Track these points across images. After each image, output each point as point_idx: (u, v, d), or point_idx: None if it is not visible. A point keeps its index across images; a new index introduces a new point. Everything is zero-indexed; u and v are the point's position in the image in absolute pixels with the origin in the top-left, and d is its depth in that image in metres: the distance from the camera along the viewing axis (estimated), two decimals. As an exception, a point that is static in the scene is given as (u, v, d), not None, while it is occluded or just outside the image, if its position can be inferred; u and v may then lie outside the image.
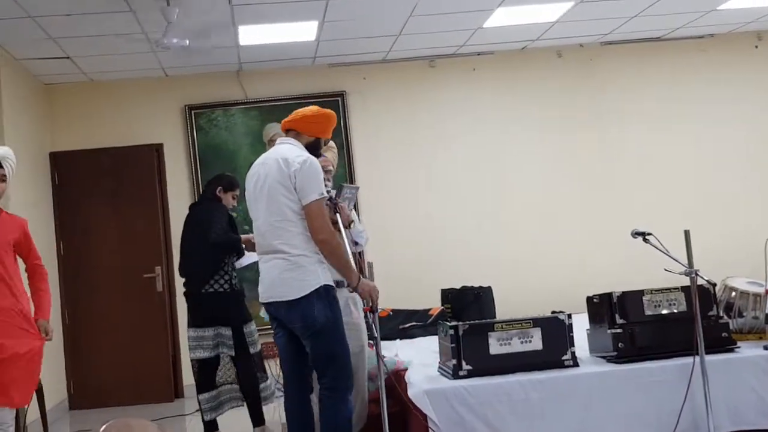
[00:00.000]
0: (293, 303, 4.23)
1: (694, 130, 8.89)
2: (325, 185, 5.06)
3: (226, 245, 5.75)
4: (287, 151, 4.38)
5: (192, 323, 5.83)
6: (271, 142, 8.38)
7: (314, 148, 4.52)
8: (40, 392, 6.59)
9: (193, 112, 8.53)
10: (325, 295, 4.24)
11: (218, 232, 5.68)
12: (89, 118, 8.47)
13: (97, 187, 8.31)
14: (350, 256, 4.35)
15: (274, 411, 6.34)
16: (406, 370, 5.21)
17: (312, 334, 4.25)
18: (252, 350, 5.84)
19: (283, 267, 4.25)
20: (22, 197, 7.32)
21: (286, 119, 4.57)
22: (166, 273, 8.27)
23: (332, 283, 4.32)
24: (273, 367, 6.16)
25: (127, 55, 7.65)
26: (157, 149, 8.49)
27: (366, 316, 4.61)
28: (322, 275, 4.26)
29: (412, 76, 8.79)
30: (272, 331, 4.51)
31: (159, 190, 8.42)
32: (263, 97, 8.56)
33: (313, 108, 4.58)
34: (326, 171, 5.14)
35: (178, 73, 8.44)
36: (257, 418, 5.84)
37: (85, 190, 8.30)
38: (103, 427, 1.49)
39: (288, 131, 4.53)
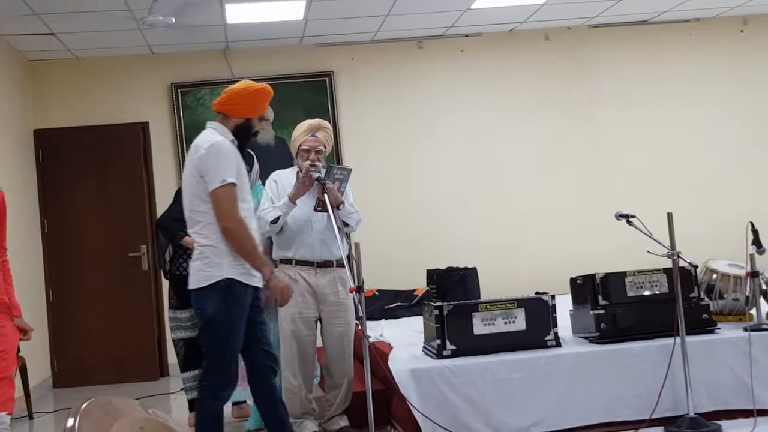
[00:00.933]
0: (194, 292, 4.13)
1: (680, 114, 8.92)
2: (315, 166, 5.08)
3: (165, 233, 5.75)
4: (202, 135, 4.24)
5: (170, 305, 5.89)
6: (259, 121, 8.43)
7: (245, 129, 4.31)
8: (24, 370, 6.61)
9: (179, 90, 8.50)
10: (224, 289, 4.02)
11: (167, 216, 5.67)
12: (74, 95, 8.42)
13: (82, 165, 8.28)
14: (258, 247, 4.11)
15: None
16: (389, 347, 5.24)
17: (202, 324, 4.15)
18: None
19: (194, 256, 4.15)
20: (5, 175, 7.29)
21: (215, 101, 4.38)
22: (151, 252, 8.26)
23: (240, 278, 4.06)
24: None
25: (113, 32, 7.61)
26: (142, 127, 8.46)
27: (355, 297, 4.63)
28: (228, 269, 4.04)
29: (400, 57, 8.78)
30: None
31: (144, 168, 8.41)
32: (250, 76, 8.47)
33: (240, 86, 4.33)
34: (318, 152, 5.13)
35: (164, 51, 8.40)
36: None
37: (69, 168, 8.27)
38: (85, 404, 1.50)
39: (217, 114, 4.34)
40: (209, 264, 4.07)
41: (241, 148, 4.30)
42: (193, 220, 4.15)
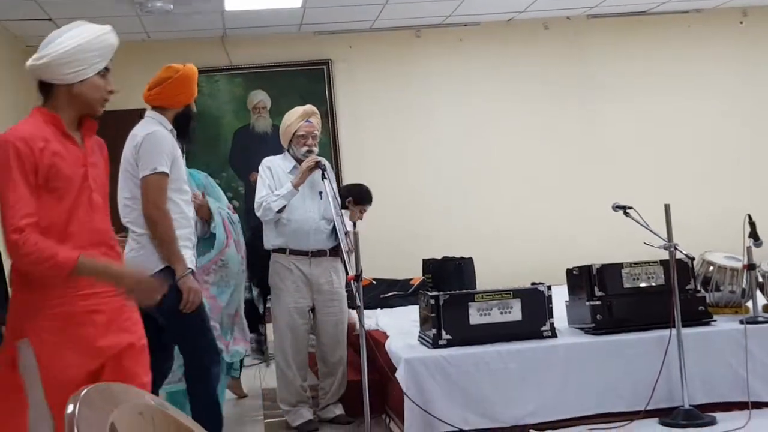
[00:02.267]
0: None
1: (678, 105, 8.92)
2: (311, 150, 5.09)
3: None
4: (141, 125, 4.17)
5: None
6: (255, 110, 8.43)
7: (187, 116, 4.26)
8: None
9: (176, 77, 8.47)
10: (172, 275, 3.86)
11: None
12: (71, 81, 8.39)
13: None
14: (177, 241, 3.94)
15: (254, 377, 6.39)
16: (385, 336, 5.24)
17: (167, 318, 3.94)
18: None
19: (130, 246, 4.00)
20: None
21: (146, 93, 4.30)
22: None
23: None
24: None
25: (110, 18, 7.50)
26: (140, 114, 8.38)
27: (349, 285, 4.64)
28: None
29: (398, 45, 8.76)
30: None
31: (141, 155, 8.38)
32: (248, 64, 8.51)
33: (167, 74, 4.27)
34: (313, 137, 5.14)
35: (161, 37, 8.37)
36: None
37: (66, 153, 8.23)
38: (84, 390, 1.50)
39: (153, 108, 4.24)
40: (147, 254, 3.92)
41: (185, 135, 4.22)
42: (129, 207, 4.02)
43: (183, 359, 4.17)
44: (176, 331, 4.02)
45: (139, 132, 4.10)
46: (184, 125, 4.22)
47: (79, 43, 3.00)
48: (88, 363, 2.76)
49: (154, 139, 4.01)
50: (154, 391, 3.98)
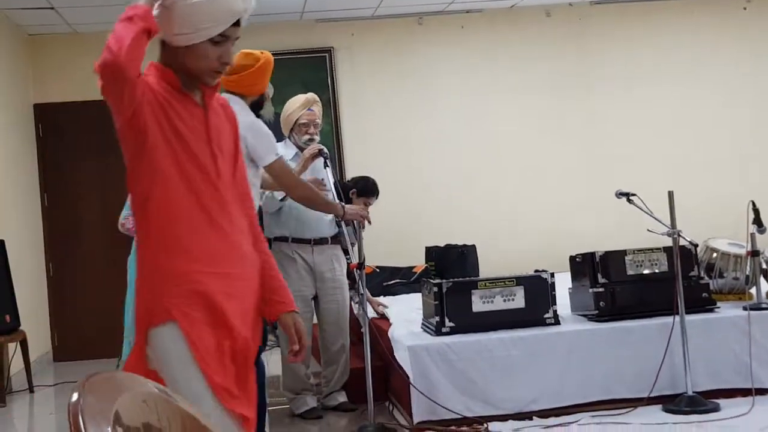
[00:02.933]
0: None
1: (681, 92, 8.89)
2: (313, 139, 5.09)
3: None
4: (238, 114, 4.24)
5: None
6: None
7: (259, 105, 4.44)
8: (24, 344, 6.62)
9: (179, 65, 8.47)
10: None
11: None
12: (74, 70, 8.38)
13: (82, 139, 8.26)
14: (326, 198, 4.55)
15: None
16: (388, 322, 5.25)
17: None
18: None
19: None
20: (4, 149, 7.28)
21: (224, 78, 4.31)
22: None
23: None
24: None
25: (113, 7, 7.53)
26: (142, 103, 8.42)
27: (353, 273, 4.65)
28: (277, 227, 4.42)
29: (400, 33, 8.74)
30: None
31: (144, 143, 8.38)
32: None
33: (248, 61, 4.29)
34: (315, 125, 5.14)
35: (163, 25, 8.36)
36: None
37: (69, 142, 8.25)
38: (88, 378, 1.50)
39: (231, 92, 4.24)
40: None
41: None
42: None
43: None
44: None
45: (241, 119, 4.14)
46: (255, 112, 4.35)
47: (188, 2, 2.47)
48: (225, 343, 2.44)
49: (260, 128, 4.19)
50: None
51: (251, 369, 2.56)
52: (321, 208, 4.54)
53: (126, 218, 5.09)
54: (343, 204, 4.54)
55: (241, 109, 4.19)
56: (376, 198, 5.84)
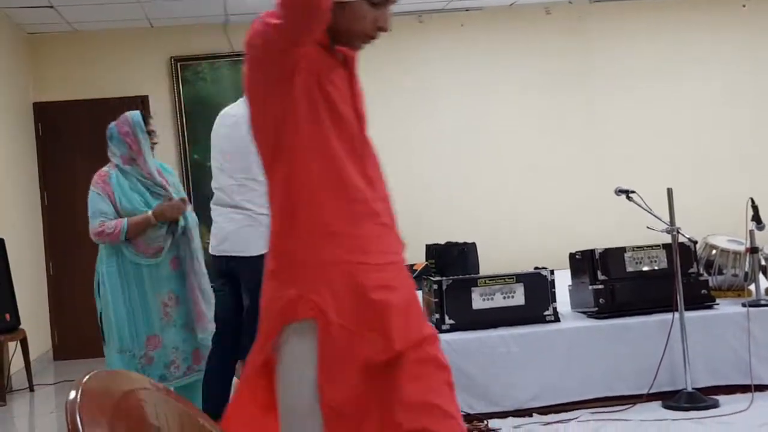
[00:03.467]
0: (249, 259, 4.18)
1: (681, 89, 8.90)
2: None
3: None
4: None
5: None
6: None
7: None
8: (24, 343, 6.63)
9: (179, 64, 8.47)
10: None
11: None
12: (73, 68, 8.40)
13: (82, 138, 8.27)
14: None
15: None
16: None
17: (259, 291, 4.15)
18: None
19: (243, 222, 4.22)
20: (4, 148, 7.28)
21: None
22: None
23: None
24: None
25: (112, 5, 7.57)
26: (142, 101, 8.44)
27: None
28: None
29: (400, 30, 8.71)
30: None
31: (144, 142, 8.38)
32: (249, 50, 8.48)
33: None
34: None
35: (163, 24, 8.36)
36: None
37: (69, 141, 8.25)
38: (86, 377, 1.51)
39: None
40: (267, 232, 4.10)
41: None
42: (247, 187, 4.21)
43: (243, 340, 4.24)
44: (256, 309, 4.13)
45: None
46: None
47: None
48: (380, 353, 2.14)
49: None
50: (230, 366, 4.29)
51: (439, 369, 2.28)
52: None
53: (102, 223, 4.43)
54: None
55: None
56: None
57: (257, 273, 4.12)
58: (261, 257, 4.12)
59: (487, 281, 4.81)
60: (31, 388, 6.70)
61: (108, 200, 4.39)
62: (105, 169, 4.55)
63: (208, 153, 4.52)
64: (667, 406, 4.49)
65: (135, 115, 4.51)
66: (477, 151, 8.70)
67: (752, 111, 8.93)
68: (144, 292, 4.41)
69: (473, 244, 7.43)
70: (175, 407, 1.67)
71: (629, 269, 4.92)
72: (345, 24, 2.22)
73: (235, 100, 4.52)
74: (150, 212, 4.32)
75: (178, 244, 4.38)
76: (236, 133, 4.22)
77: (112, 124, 4.50)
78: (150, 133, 4.53)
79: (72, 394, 1.41)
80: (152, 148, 4.54)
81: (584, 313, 4.97)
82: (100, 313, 4.44)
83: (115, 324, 4.38)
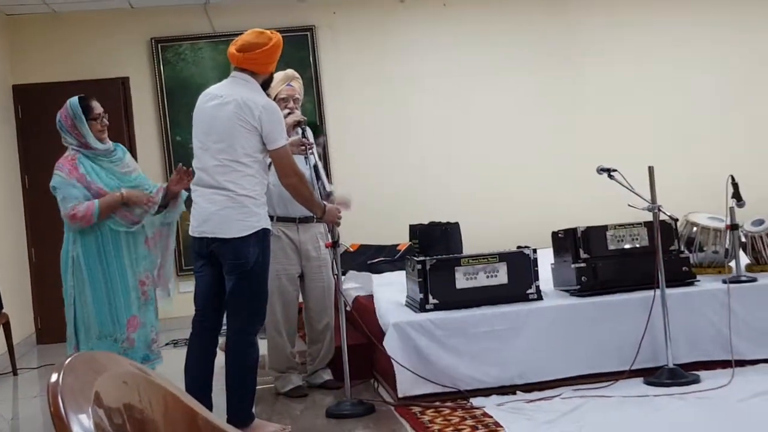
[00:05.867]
0: (230, 241, 4.15)
1: (666, 71, 8.91)
2: (292, 113, 5.08)
3: None
4: (247, 92, 4.23)
5: None
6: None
7: (268, 85, 4.46)
8: (7, 327, 6.61)
9: (159, 45, 8.42)
10: (262, 237, 4.22)
11: None
12: (53, 50, 8.33)
13: (63, 121, 8.20)
14: (315, 193, 4.50)
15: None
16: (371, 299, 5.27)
17: (240, 273, 4.17)
18: None
19: (224, 204, 4.16)
20: (-15, 131, 7.22)
21: (238, 54, 4.26)
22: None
23: (270, 228, 4.32)
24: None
25: (91, -14, 7.50)
26: (123, 83, 8.39)
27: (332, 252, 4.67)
28: (264, 219, 4.24)
29: (382, 11, 8.71)
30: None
31: (125, 123, 8.34)
32: (231, 31, 8.43)
33: (262, 39, 4.24)
34: (294, 100, 5.14)
35: (144, 5, 8.30)
36: None
37: (49, 123, 8.01)
38: (68, 359, 1.51)
39: (242, 70, 4.28)
40: (248, 213, 4.17)
41: None
42: (230, 168, 4.18)
43: (228, 321, 4.28)
44: (238, 291, 4.20)
45: (256, 99, 4.22)
46: (266, 90, 4.41)
47: None
48: None
49: (275, 111, 4.24)
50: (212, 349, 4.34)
51: None
52: (305, 203, 4.44)
53: (74, 207, 4.33)
54: (325, 204, 4.51)
55: (254, 88, 4.28)
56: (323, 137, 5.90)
57: (239, 254, 4.14)
58: (242, 239, 4.15)
59: (470, 260, 4.84)
60: (15, 372, 6.69)
61: (78, 183, 4.37)
62: (70, 153, 4.54)
63: (189, 134, 4.49)
64: (648, 383, 4.54)
65: (73, 104, 4.49)
66: (460, 132, 8.70)
67: (734, 90, 8.96)
68: (123, 269, 4.40)
69: (456, 224, 7.44)
70: (158, 389, 1.68)
71: (611, 247, 4.95)
72: None
73: (217, 81, 4.50)
74: (123, 191, 4.37)
75: (153, 223, 4.46)
76: (221, 114, 4.20)
77: (58, 114, 4.51)
78: (97, 118, 4.50)
79: (54, 377, 1.42)
80: (103, 131, 4.52)
81: (567, 291, 5.01)
82: (74, 298, 4.37)
83: (94, 308, 4.35)
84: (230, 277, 4.20)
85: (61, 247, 4.49)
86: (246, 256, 4.16)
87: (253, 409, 4.37)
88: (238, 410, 4.21)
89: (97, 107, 4.53)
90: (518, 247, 4.98)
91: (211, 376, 4.32)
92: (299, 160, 5.03)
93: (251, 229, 4.16)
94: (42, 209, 8.20)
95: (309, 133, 5.06)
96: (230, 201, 4.16)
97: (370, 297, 5.69)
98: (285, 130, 4.30)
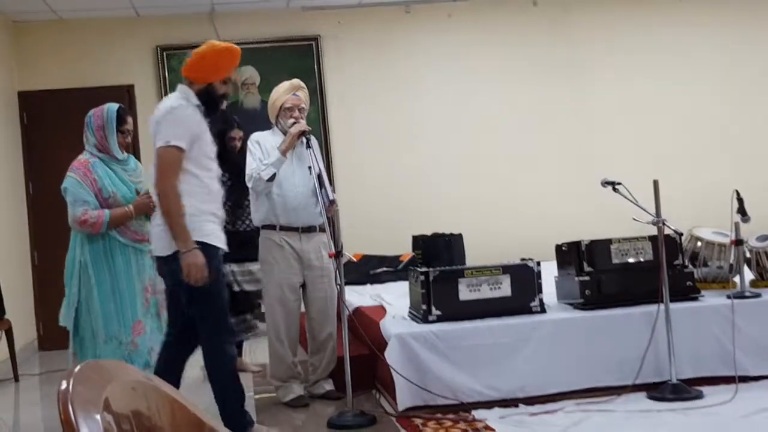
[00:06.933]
0: (161, 259, 4.09)
1: (668, 82, 8.92)
2: (297, 122, 5.08)
3: None
4: (167, 98, 4.22)
5: None
6: (244, 86, 8.40)
7: (209, 94, 4.19)
8: (9, 333, 6.60)
9: (164, 53, 8.43)
10: (202, 251, 3.96)
11: None
12: (59, 57, 8.34)
13: (67, 127, 8.15)
14: (184, 217, 3.96)
15: (245, 354, 6.40)
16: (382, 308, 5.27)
17: (182, 291, 4.04)
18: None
19: (156, 221, 4.09)
20: (-10, 136, 7.24)
21: (184, 66, 4.27)
22: (136, 215, 8.23)
23: (211, 241, 4.04)
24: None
25: (98, -6, 7.52)
26: (128, 90, 8.40)
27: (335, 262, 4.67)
28: (198, 232, 3.99)
29: (387, 21, 8.73)
30: None
31: (130, 131, 8.35)
32: (236, 40, 8.35)
33: (202, 49, 4.19)
34: (300, 109, 5.14)
35: (149, 13, 8.32)
36: None
37: (54, 130, 8.20)
38: (78, 367, 1.51)
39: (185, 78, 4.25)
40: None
41: (211, 113, 4.22)
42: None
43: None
44: (193, 307, 4.10)
45: (162, 106, 4.16)
46: (207, 103, 4.20)
47: None
48: None
49: (173, 113, 4.07)
50: (182, 361, 4.19)
51: None
52: (168, 223, 3.96)
53: (85, 211, 4.40)
54: (193, 247, 3.94)
55: (177, 95, 4.20)
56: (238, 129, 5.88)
57: (172, 273, 4.07)
58: (165, 258, 4.07)
59: (473, 272, 4.83)
60: (16, 378, 6.68)
61: (90, 189, 4.40)
62: (84, 156, 4.58)
63: (195, 143, 4.50)
64: (652, 397, 4.52)
65: (110, 110, 4.56)
66: (463, 142, 8.71)
67: (738, 103, 8.97)
68: (130, 275, 4.43)
69: (459, 235, 7.46)
70: (165, 397, 1.67)
71: (615, 261, 4.95)
72: None
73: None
74: (131, 207, 4.43)
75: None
76: (151, 130, 4.15)
77: (92, 111, 4.58)
78: (124, 132, 4.56)
79: (64, 384, 1.41)
80: (126, 147, 4.58)
81: (570, 304, 5.00)
82: (79, 302, 4.39)
83: (101, 311, 4.37)
84: (182, 296, 4.12)
85: (66, 253, 4.50)
86: (170, 275, 4.05)
87: (254, 417, 4.36)
88: (230, 416, 4.18)
89: (130, 123, 4.63)
90: (522, 260, 4.98)
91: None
92: (303, 171, 5.04)
93: (172, 248, 3.98)
94: (46, 215, 8.21)
95: (314, 142, 5.07)
96: (160, 219, 4.05)
97: (372, 307, 5.69)
98: (180, 135, 3.99)
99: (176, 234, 3.94)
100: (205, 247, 4.00)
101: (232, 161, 5.56)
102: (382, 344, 4.77)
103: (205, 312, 4.11)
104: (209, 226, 4.07)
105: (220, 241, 4.11)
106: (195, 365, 5.06)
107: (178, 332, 4.25)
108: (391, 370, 4.54)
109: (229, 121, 5.90)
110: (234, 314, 5.89)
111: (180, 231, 3.94)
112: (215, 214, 4.13)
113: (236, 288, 5.79)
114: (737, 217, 4.97)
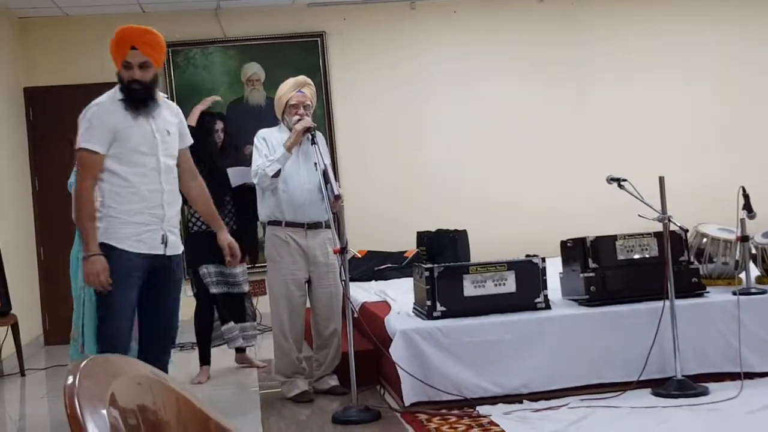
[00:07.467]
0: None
1: (673, 78, 8.91)
2: (302, 118, 5.08)
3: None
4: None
5: (207, 260, 5.86)
6: (249, 82, 8.40)
7: (120, 83, 4.15)
8: (15, 328, 6.62)
9: (170, 49, 8.42)
10: (105, 253, 3.87)
11: None
12: (64, 53, 8.35)
13: (73, 123, 8.14)
14: (92, 221, 3.90)
15: (250, 349, 6.42)
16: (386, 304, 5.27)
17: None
18: (215, 290, 5.86)
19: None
20: (-4, 132, 7.25)
21: None
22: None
23: (121, 245, 3.90)
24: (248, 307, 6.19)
25: (104, -10, 7.53)
26: (132, 86, 8.39)
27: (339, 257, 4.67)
28: (110, 234, 3.91)
29: (392, 17, 8.73)
30: None
31: (135, 127, 8.36)
32: (241, 36, 8.47)
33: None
34: (305, 106, 5.14)
35: (155, 9, 8.33)
36: (203, 358, 5.97)
37: (60, 126, 8.19)
38: (84, 362, 1.51)
39: None
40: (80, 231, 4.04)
41: (132, 104, 4.08)
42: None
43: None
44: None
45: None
46: (125, 93, 4.13)
47: None
48: None
49: (84, 115, 4.07)
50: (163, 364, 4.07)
51: None
52: (78, 223, 4.00)
53: None
54: (98, 252, 3.85)
55: (107, 92, 4.21)
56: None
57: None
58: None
59: (478, 268, 4.83)
60: (23, 373, 6.70)
61: None
62: None
63: (200, 139, 4.52)
64: (656, 394, 4.52)
65: None
66: (468, 139, 8.71)
67: (743, 99, 8.95)
68: None
69: (464, 232, 7.46)
70: (171, 392, 1.68)
71: (620, 257, 4.94)
72: None
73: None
74: None
75: None
76: None
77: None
78: None
79: (70, 379, 1.42)
80: None
81: (575, 300, 5.00)
82: (83, 298, 4.38)
83: (79, 313, 4.38)
84: None
85: (71, 248, 4.50)
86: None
87: (260, 412, 4.37)
88: None
89: None
90: (527, 256, 4.98)
91: None
92: (309, 168, 5.04)
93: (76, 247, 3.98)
94: (51, 212, 8.23)
95: (320, 138, 5.07)
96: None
97: (377, 303, 5.69)
98: (91, 137, 3.98)
99: (82, 238, 3.95)
100: (113, 251, 3.89)
101: (208, 156, 5.70)
102: (387, 340, 4.77)
103: (100, 316, 4.06)
104: (126, 229, 3.93)
105: (139, 244, 3.94)
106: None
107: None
108: (396, 366, 4.55)
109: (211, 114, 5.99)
110: (222, 322, 5.95)
111: (84, 235, 3.92)
112: (142, 214, 3.96)
113: (213, 290, 5.82)
114: (743, 214, 4.96)
